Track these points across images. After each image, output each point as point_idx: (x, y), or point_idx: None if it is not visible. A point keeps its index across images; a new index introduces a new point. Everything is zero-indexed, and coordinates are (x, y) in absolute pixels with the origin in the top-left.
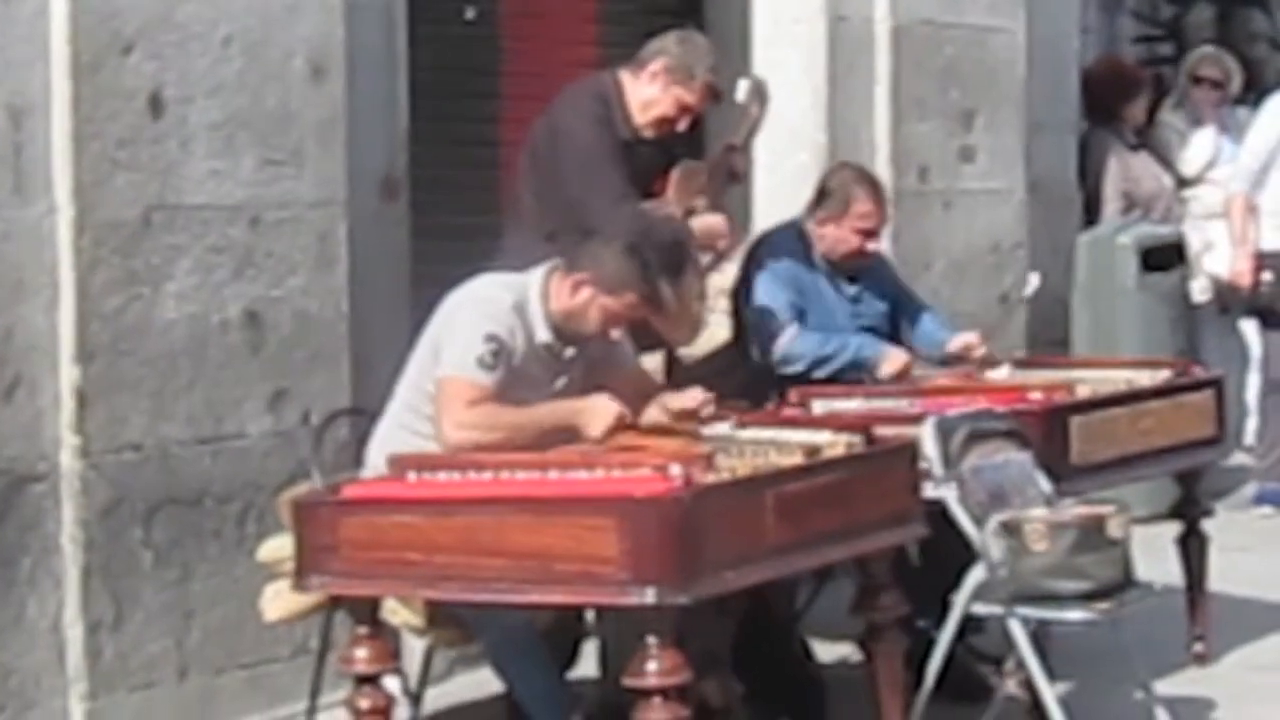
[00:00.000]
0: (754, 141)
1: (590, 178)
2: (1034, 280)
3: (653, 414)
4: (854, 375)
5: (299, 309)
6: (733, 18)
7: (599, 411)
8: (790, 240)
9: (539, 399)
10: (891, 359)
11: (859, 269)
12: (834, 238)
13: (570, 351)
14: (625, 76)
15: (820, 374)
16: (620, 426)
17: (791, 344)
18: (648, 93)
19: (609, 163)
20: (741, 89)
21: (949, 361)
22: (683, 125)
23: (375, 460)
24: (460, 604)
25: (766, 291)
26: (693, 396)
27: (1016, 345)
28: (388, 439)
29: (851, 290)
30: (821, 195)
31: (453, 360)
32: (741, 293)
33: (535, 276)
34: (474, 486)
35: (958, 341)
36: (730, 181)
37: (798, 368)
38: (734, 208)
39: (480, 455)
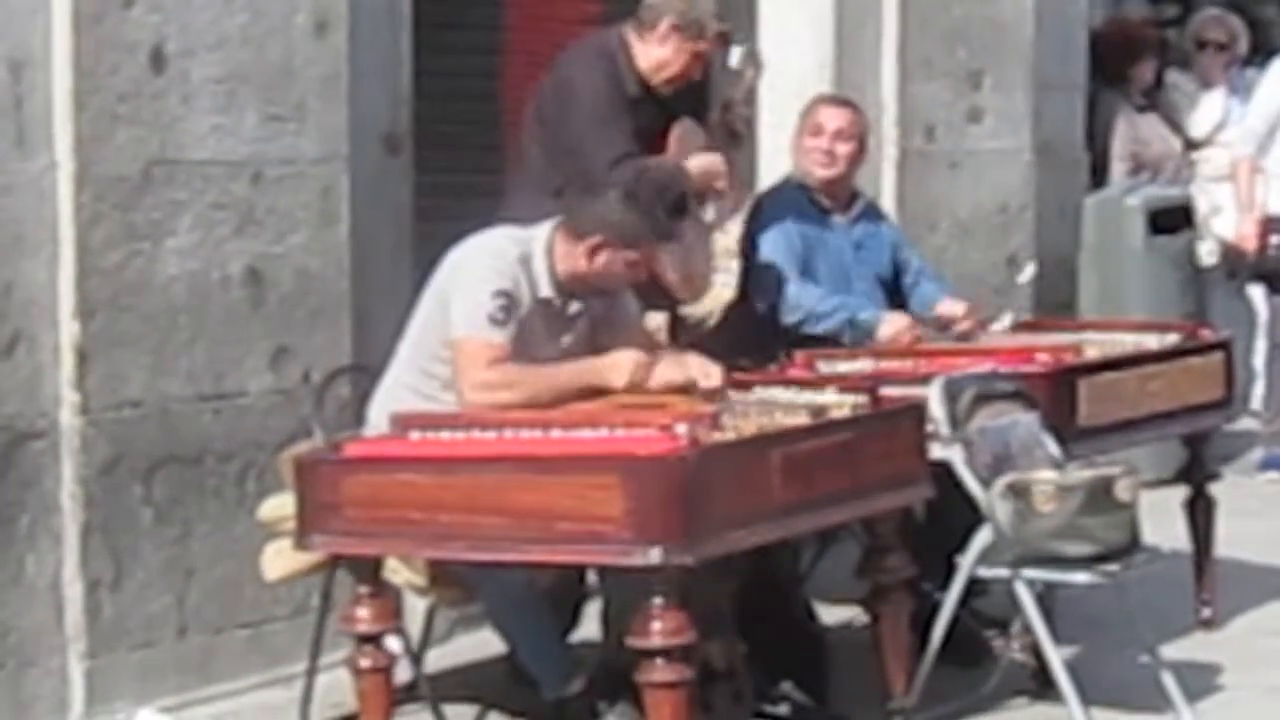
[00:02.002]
0: (751, 104)
1: (594, 134)
2: (1030, 270)
3: (671, 373)
4: (852, 337)
5: (300, 266)
6: None
7: (620, 362)
8: (791, 192)
9: (544, 355)
10: (890, 321)
11: (839, 195)
12: (799, 150)
13: (574, 307)
14: (631, 35)
15: (816, 329)
16: (643, 374)
17: (795, 293)
18: (658, 54)
19: (613, 119)
20: (735, 55)
21: (944, 326)
22: (697, 74)
23: (377, 418)
24: (462, 563)
25: (770, 246)
26: (716, 374)
27: (1023, 307)
28: (390, 397)
29: (855, 235)
30: None
31: (464, 319)
32: (746, 249)
33: (542, 231)
34: (477, 445)
35: (943, 307)
36: (732, 141)
37: (795, 317)
38: (739, 167)
39: (484, 414)
